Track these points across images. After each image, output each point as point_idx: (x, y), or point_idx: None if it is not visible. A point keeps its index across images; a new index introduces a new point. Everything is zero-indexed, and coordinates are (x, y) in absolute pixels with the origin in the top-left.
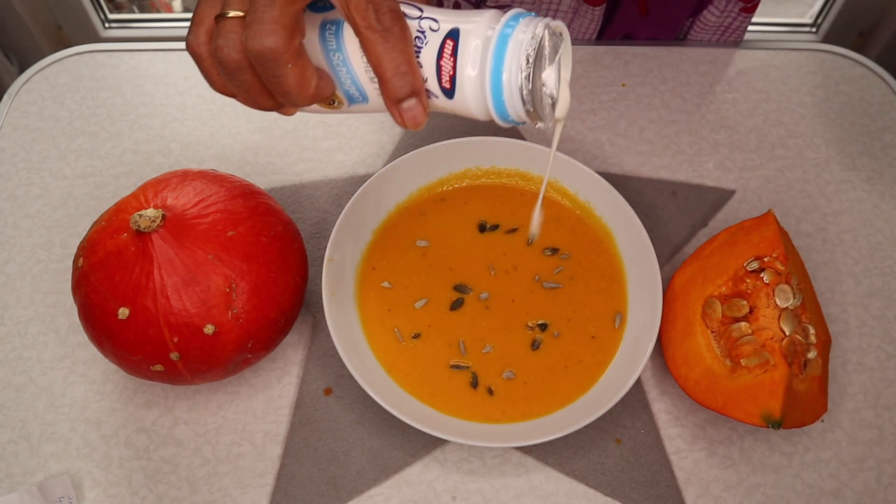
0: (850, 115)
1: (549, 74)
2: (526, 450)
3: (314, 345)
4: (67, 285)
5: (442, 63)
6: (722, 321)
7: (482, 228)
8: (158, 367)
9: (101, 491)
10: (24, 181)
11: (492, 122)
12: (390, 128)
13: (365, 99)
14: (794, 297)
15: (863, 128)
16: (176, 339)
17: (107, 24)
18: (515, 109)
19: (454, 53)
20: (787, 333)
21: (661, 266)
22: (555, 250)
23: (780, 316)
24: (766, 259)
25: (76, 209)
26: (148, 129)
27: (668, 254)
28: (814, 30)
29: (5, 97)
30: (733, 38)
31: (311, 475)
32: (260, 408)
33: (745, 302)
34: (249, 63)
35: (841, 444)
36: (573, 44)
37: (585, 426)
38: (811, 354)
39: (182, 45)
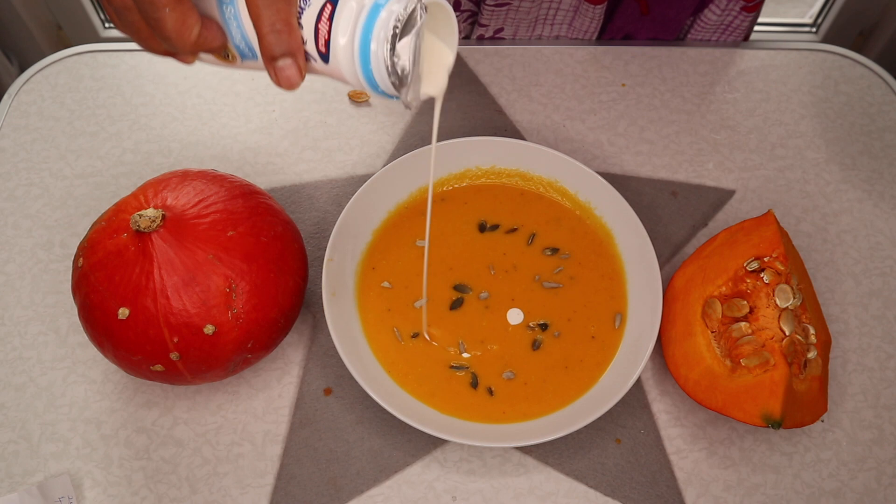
0: (850, 115)
1: (403, 46)
2: (526, 450)
3: (314, 345)
4: (67, 285)
5: (319, 26)
6: (722, 321)
7: (482, 228)
8: (158, 367)
9: (101, 491)
10: (24, 181)
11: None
12: (390, 127)
13: (255, 56)
14: (794, 297)
15: (863, 128)
16: (176, 339)
17: (107, 24)
18: (383, 81)
19: (331, 17)
20: (787, 333)
21: (661, 266)
22: (555, 250)
23: (780, 316)
24: (766, 259)
25: (76, 209)
26: (148, 129)
27: (668, 254)
28: (814, 30)
29: (5, 97)
30: (734, 37)
31: (311, 475)
32: (260, 408)
33: (745, 302)
34: (135, 4)
35: (841, 444)
36: (573, 43)
37: (585, 426)
38: (811, 354)
39: None
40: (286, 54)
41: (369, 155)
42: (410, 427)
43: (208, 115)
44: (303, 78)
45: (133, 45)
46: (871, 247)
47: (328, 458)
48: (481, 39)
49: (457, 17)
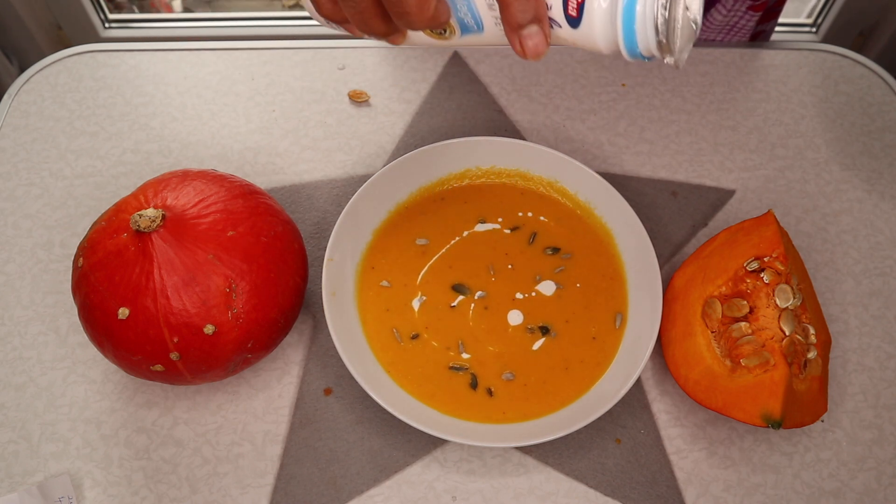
0: (850, 115)
1: (692, 1)
2: (526, 450)
3: (314, 345)
4: (67, 285)
5: None
6: (722, 321)
7: (482, 228)
8: (158, 367)
9: (101, 491)
10: (24, 181)
11: (614, 56)
12: (390, 127)
13: (479, 28)
14: (794, 297)
15: (863, 128)
16: (176, 339)
17: (107, 24)
18: (647, 41)
19: None
20: (787, 333)
21: (661, 266)
22: (556, 250)
23: (780, 316)
24: (766, 259)
25: (76, 209)
26: (148, 129)
27: (668, 254)
28: (814, 30)
29: (5, 97)
30: (739, 37)
31: (311, 475)
32: (260, 408)
33: (745, 302)
34: None
35: (841, 444)
36: None
37: (585, 426)
38: (811, 354)
39: (182, 45)
40: (533, 21)
41: (369, 155)
42: (410, 427)
43: (208, 115)
44: (548, 46)
45: (133, 45)
46: (871, 247)
47: (328, 458)
48: None
49: None
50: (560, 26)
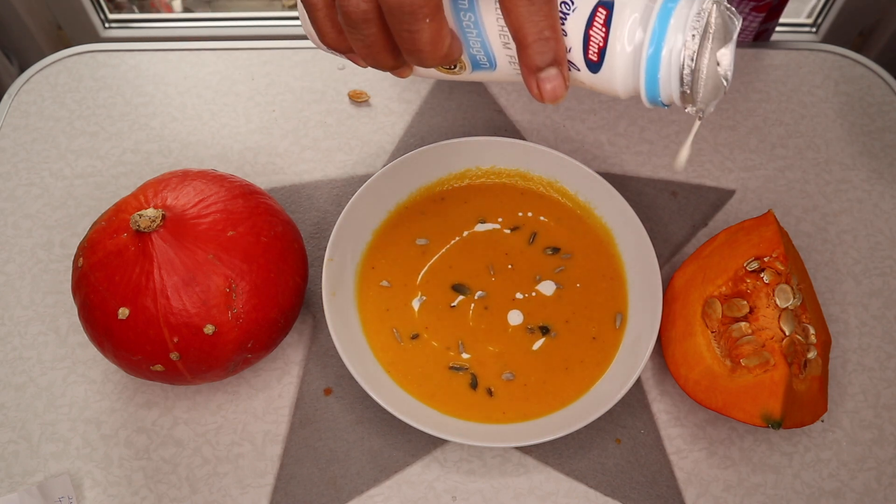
0: (850, 115)
1: (724, 54)
2: (526, 450)
3: (314, 345)
4: (67, 285)
5: (591, 33)
6: (722, 321)
7: (482, 227)
8: (158, 367)
9: (101, 491)
10: (24, 181)
11: (632, 100)
12: (390, 127)
13: (492, 65)
14: (794, 297)
15: (863, 128)
16: (176, 339)
17: (107, 24)
18: (669, 90)
19: (606, 24)
20: (787, 333)
21: (661, 266)
22: (556, 250)
23: (780, 316)
24: (766, 259)
25: (76, 209)
26: (148, 129)
27: (668, 254)
28: (814, 30)
29: (5, 97)
30: (743, 38)
31: (311, 475)
32: (260, 408)
33: (745, 302)
34: (379, 15)
35: (841, 444)
36: None
37: (585, 426)
38: (811, 354)
39: (182, 45)
40: (552, 64)
41: (369, 155)
42: (410, 427)
43: (208, 115)
44: (567, 89)
45: (133, 45)
46: (871, 247)
47: (328, 458)
48: None
49: None
50: (578, 70)
